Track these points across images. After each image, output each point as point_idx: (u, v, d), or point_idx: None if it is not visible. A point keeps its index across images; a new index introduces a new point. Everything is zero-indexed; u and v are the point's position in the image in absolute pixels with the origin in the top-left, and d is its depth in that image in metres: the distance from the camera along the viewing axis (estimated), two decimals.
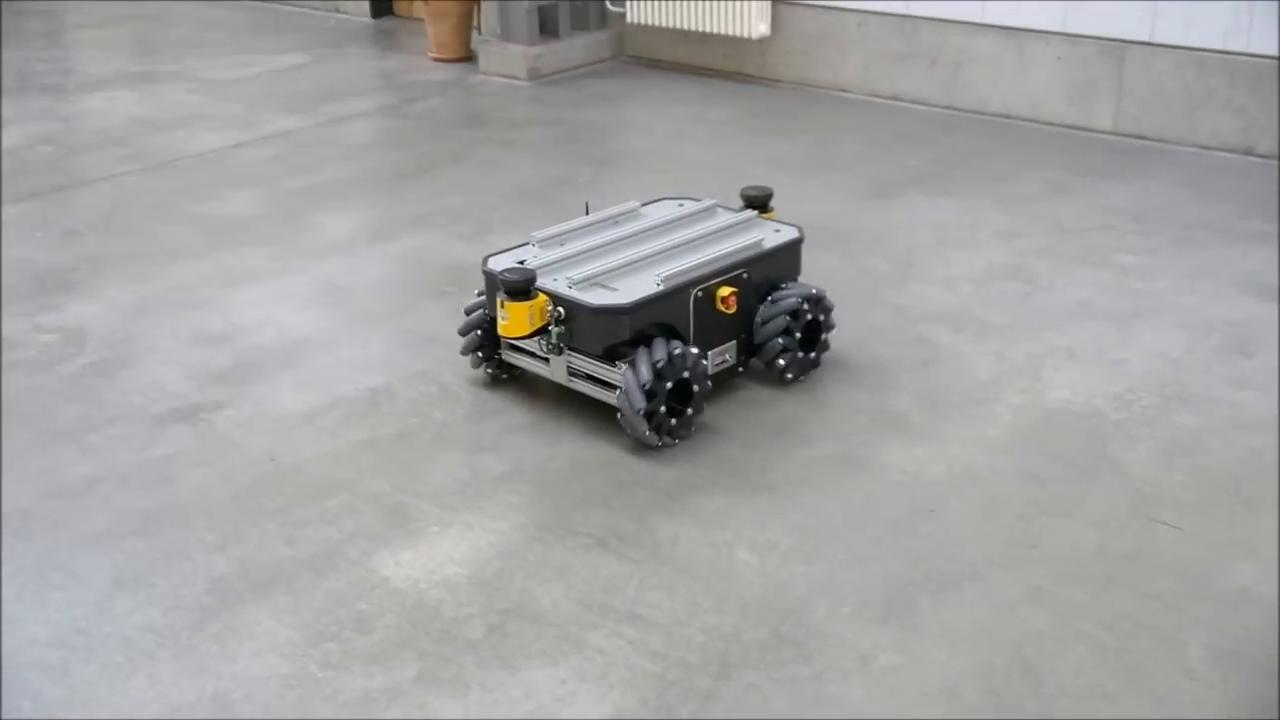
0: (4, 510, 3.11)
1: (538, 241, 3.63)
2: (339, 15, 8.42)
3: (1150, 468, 3.21)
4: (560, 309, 3.33)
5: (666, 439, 3.33)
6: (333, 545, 2.96)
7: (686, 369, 3.31)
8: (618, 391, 3.28)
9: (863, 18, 6.31)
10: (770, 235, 3.69)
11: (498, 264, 3.49)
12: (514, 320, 3.31)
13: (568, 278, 3.40)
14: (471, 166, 5.53)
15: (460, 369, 3.72)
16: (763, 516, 3.04)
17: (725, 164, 5.42)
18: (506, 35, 6.93)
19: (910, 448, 3.31)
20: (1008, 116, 6.00)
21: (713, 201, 3.90)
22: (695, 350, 3.35)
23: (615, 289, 3.36)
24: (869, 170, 5.37)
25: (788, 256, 3.69)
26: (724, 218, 3.79)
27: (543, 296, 3.33)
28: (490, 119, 6.23)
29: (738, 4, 6.40)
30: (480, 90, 6.74)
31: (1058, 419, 3.44)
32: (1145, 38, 5.54)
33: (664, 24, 6.72)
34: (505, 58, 6.89)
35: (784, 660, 2.58)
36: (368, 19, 8.31)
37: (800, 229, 3.74)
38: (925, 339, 3.89)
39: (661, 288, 3.35)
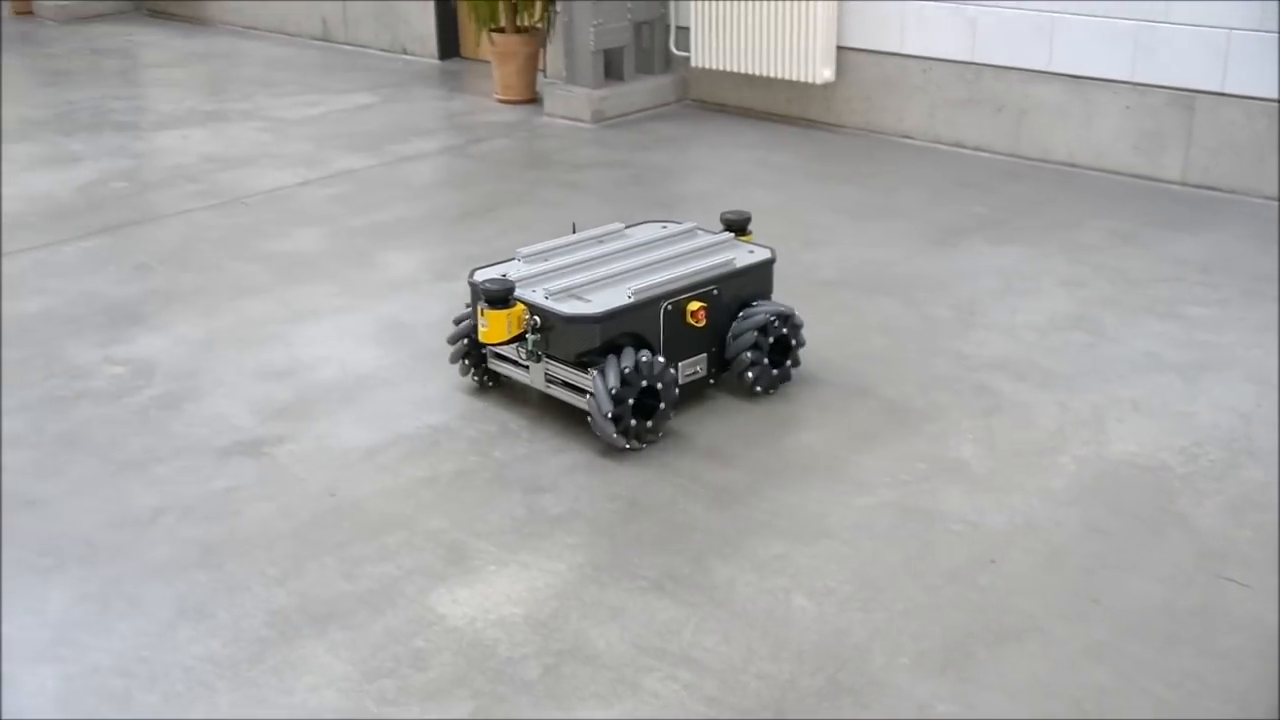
0: (71, 539, 3.15)
1: (523, 257, 3.82)
2: (406, 57, 8.54)
3: (1218, 523, 3.16)
4: (536, 318, 3.51)
5: (634, 442, 3.47)
6: (391, 581, 2.97)
7: (654, 377, 3.46)
8: (588, 395, 3.43)
9: (927, 64, 6.31)
10: (743, 255, 3.85)
11: (483, 276, 3.67)
12: (492, 327, 3.50)
13: (545, 289, 3.57)
14: (535, 207, 5.58)
15: (520, 408, 3.75)
16: (820, 563, 3.02)
17: (788, 208, 5.42)
18: (572, 78, 6.99)
19: (971, 497, 3.28)
20: (1073, 165, 5.97)
21: (693, 224, 4.08)
22: (663, 360, 3.50)
23: (589, 300, 3.52)
24: (932, 217, 5.36)
25: (759, 276, 3.85)
26: (702, 239, 3.97)
27: (520, 305, 3.51)
28: (554, 160, 6.28)
29: (802, 50, 6.42)
30: (545, 132, 6.80)
31: (1123, 471, 3.40)
32: (1215, 88, 5.49)
33: (728, 68, 6.76)
34: (570, 100, 6.95)
35: (841, 709, 2.55)
36: (434, 60, 8.42)
37: (772, 250, 3.90)
38: (987, 387, 3.86)
39: (632, 300, 3.51)
